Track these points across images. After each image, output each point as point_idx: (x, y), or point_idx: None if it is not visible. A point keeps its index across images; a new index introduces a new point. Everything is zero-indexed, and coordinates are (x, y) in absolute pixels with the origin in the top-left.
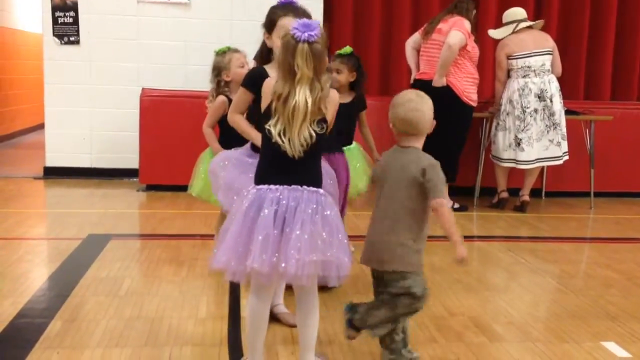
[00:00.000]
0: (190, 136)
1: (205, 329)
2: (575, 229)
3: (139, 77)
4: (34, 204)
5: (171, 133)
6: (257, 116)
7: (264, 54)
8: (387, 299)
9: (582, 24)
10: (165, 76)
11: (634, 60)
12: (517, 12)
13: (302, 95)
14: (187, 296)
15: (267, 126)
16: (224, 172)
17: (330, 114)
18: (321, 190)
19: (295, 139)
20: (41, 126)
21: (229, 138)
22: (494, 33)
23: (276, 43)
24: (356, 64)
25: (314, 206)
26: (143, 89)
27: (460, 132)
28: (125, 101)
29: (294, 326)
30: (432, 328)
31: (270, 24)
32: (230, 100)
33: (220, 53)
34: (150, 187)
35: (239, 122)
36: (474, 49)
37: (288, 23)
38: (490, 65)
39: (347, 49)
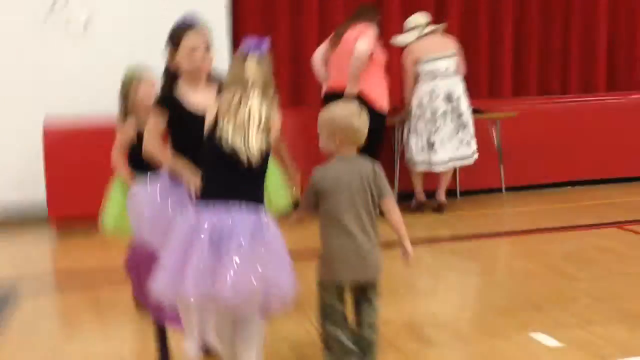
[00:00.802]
0: (100, 168)
1: None
2: (491, 225)
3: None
4: None
5: (80, 166)
6: (174, 136)
7: (171, 75)
8: (374, 303)
9: (481, 22)
10: (67, 101)
11: (531, 56)
12: (418, 19)
13: (255, 101)
14: (110, 342)
15: (218, 131)
16: (145, 205)
17: (274, 131)
18: (262, 208)
19: (252, 144)
20: None
21: (139, 166)
22: (398, 40)
23: (182, 57)
24: None
25: (252, 227)
26: (45, 119)
27: (375, 139)
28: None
29: None
30: None
31: (174, 41)
32: (139, 125)
33: (128, 77)
34: (61, 221)
35: (154, 150)
36: (380, 55)
37: (194, 38)
38: (396, 72)
39: None
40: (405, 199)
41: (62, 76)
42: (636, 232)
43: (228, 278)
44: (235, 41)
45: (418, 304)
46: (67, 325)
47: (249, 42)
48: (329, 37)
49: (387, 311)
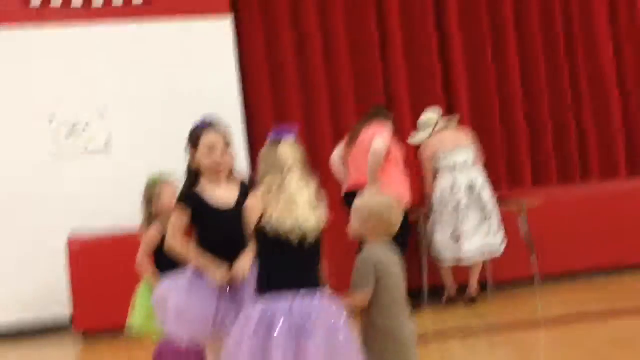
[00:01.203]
0: (124, 277)
1: None
2: (526, 314)
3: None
4: None
5: (105, 277)
6: (199, 232)
7: (193, 175)
8: None
9: (493, 112)
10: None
11: (547, 141)
12: (430, 117)
13: (295, 181)
14: None
15: (265, 221)
16: (173, 297)
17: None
18: (329, 295)
19: (304, 223)
20: None
21: (165, 268)
22: (413, 139)
23: (203, 158)
24: None
25: (329, 313)
26: (69, 235)
27: (401, 235)
28: (50, 254)
29: None
30: None
31: (194, 141)
32: (163, 229)
33: (151, 184)
34: (87, 335)
35: (177, 248)
36: (397, 152)
37: (212, 137)
38: (413, 168)
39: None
40: (434, 294)
41: (84, 191)
42: None
43: None
44: (250, 141)
45: None
46: None
47: (277, 130)
48: (345, 138)
49: None
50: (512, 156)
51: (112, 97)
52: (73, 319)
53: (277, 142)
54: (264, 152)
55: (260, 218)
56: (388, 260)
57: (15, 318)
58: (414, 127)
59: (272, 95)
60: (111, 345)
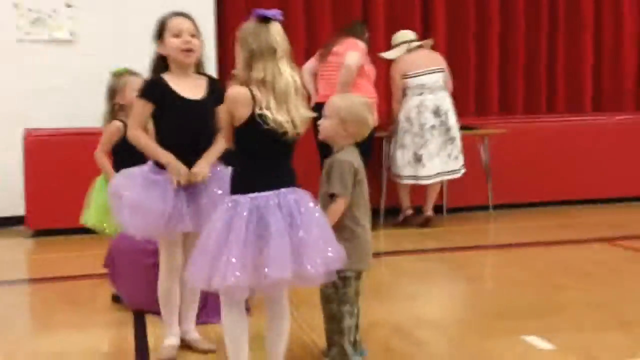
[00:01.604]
0: (80, 174)
1: None
2: (479, 239)
3: (22, 119)
4: None
5: (59, 173)
6: (161, 125)
7: (159, 65)
8: None
9: (467, 40)
10: (49, 117)
11: (518, 74)
12: (406, 34)
13: (288, 72)
14: (87, 333)
15: (258, 112)
16: (128, 191)
17: None
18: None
19: (295, 117)
20: None
21: (125, 166)
22: (386, 54)
23: (169, 43)
24: None
25: (312, 205)
26: (26, 129)
27: (363, 151)
28: (6, 145)
29: (208, 352)
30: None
31: (160, 29)
32: (126, 126)
33: (117, 75)
34: (39, 233)
35: (140, 137)
36: (370, 69)
37: (179, 22)
38: (382, 86)
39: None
40: (392, 213)
41: (47, 82)
42: (626, 248)
43: (314, 255)
44: (221, 44)
45: (406, 308)
46: (42, 321)
47: (263, 11)
48: (318, 51)
49: (374, 314)
50: (482, 86)
51: None
52: (26, 216)
53: (265, 20)
54: (251, 29)
55: (252, 111)
56: (360, 165)
57: None
58: (388, 47)
59: (246, 3)
60: (63, 244)
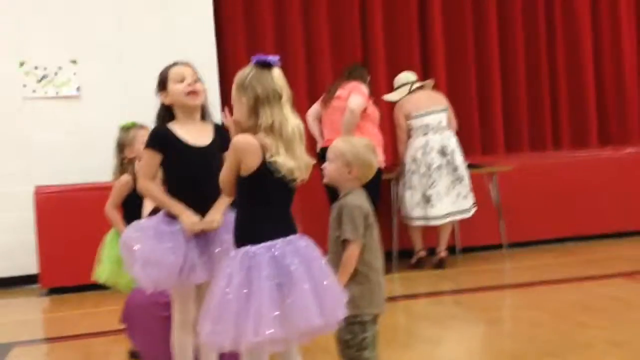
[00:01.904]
0: (92, 230)
1: None
2: (495, 279)
3: (30, 176)
4: None
5: (71, 229)
6: (170, 175)
7: (164, 116)
8: None
9: (468, 79)
10: (59, 173)
11: (521, 112)
12: (407, 76)
13: (292, 117)
14: None
15: (269, 159)
16: (139, 244)
17: None
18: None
19: (302, 163)
20: None
21: (135, 219)
22: (389, 97)
23: (173, 90)
24: None
25: (315, 254)
26: (36, 187)
27: (370, 196)
28: (18, 203)
29: None
30: None
31: (162, 80)
32: (135, 179)
33: (125, 128)
34: (53, 291)
35: (150, 188)
36: (374, 112)
37: (181, 69)
38: (387, 127)
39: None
40: (404, 255)
41: (55, 138)
42: None
43: (338, 301)
44: (224, 95)
45: (424, 352)
46: None
47: (264, 56)
48: (322, 96)
49: (393, 359)
50: (486, 124)
51: (83, 43)
52: (40, 275)
53: (267, 66)
54: (254, 74)
55: (262, 159)
56: (369, 208)
57: None
58: (390, 89)
59: (247, 50)
60: (78, 301)
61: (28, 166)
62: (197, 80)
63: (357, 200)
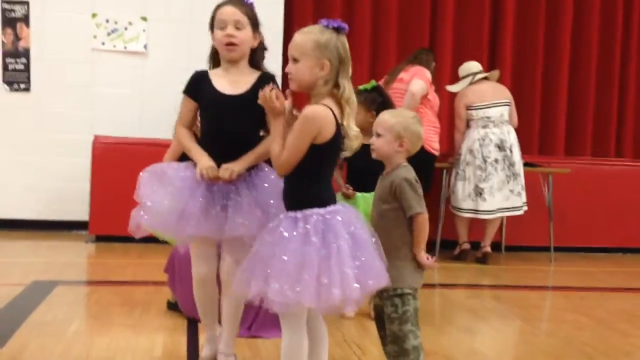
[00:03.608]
0: None
1: None
2: (538, 279)
3: (91, 125)
4: None
5: (125, 181)
6: (201, 125)
7: (214, 58)
8: None
9: (534, 78)
10: (119, 125)
11: (587, 116)
12: (472, 66)
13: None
14: (140, 337)
15: (342, 129)
16: (144, 186)
17: None
18: None
19: (355, 134)
20: None
21: None
22: (452, 87)
23: (215, 36)
24: (375, 99)
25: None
26: (96, 136)
27: (423, 180)
28: (77, 151)
29: None
30: None
31: (211, 20)
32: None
33: None
34: (100, 239)
35: (181, 135)
36: (434, 98)
37: (224, 11)
38: (445, 117)
39: (369, 84)
40: (448, 246)
41: (113, 100)
42: None
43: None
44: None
45: (462, 340)
46: (98, 321)
47: (335, 21)
48: (384, 78)
49: (426, 342)
50: (548, 124)
51: (155, 1)
52: (89, 222)
53: (340, 31)
54: (335, 37)
55: (336, 128)
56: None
57: (35, 212)
58: (454, 78)
59: (314, 19)
60: (123, 251)
61: (90, 115)
62: (240, 27)
63: (411, 173)
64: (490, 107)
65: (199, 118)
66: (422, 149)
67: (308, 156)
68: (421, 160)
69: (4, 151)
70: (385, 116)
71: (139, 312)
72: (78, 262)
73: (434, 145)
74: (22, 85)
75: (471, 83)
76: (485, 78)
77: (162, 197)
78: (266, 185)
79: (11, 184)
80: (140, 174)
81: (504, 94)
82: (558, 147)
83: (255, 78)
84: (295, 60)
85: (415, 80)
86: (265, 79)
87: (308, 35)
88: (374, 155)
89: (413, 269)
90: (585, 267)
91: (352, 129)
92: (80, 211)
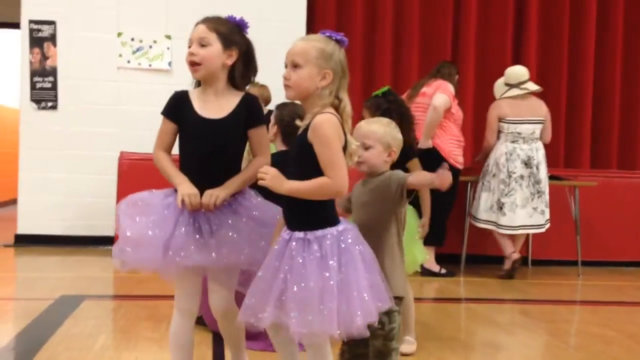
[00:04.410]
0: None
1: None
2: (565, 293)
3: (117, 143)
4: (2, 268)
5: None
6: (179, 149)
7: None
8: None
9: (559, 90)
10: (144, 142)
11: (612, 128)
12: (519, 74)
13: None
14: (166, 351)
15: (347, 140)
16: (125, 217)
17: None
18: None
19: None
20: (14, 201)
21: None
22: (498, 89)
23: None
24: (380, 105)
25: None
26: (121, 152)
27: (447, 194)
28: (103, 167)
29: None
30: None
31: None
32: None
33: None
34: None
35: (159, 158)
36: (458, 112)
37: (194, 31)
38: (469, 130)
39: (381, 89)
40: (471, 260)
41: (144, 107)
42: None
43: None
44: None
45: (489, 355)
46: (124, 335)
47: (335, 33)
48: (407, 92)
49: (454, 357)
50: (573, 137)
51: (179, 19)
52: (115, 237)
53: (342, 44)
54: (338, 48)
55: (345, 139)
56: None
57: (63, 228)
58: (478, 91)
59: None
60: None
61: (116, 132)
62: (205, 44)
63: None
64: (523, 123)
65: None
66: (448, 163)
67: (309, 170)
68: None
69: (32, 168)
70: (373, 127)
71: (165, 326)
72: (105, 277)
73: (458, 159)
74: (50, 104)
75: (511, 96)
76: (529, 94)
77: (144, 227)
78: (255, 213)
79: (39, 200)
80: (117, 204)
81: (541, 111)
82: (584, 160)
83: (238, 99)
84: (296, 67)
85: (438, 95)
86: (249, 100)
87: (313, 43)
88: (362, 169)
89: (401, 272)
90: (613, 282)
91: (353, 142)
92: (107, 227)
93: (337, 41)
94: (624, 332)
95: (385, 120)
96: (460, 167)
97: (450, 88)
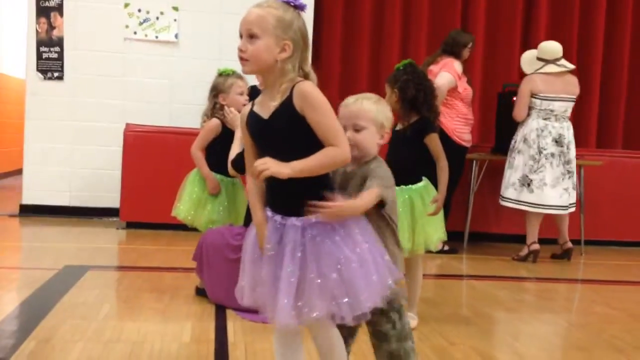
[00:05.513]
0: (174, 172)
1: (190, 352)
2: (568, 272)
3: (123, 114)
4: (7, 238)
5: (155, 169)
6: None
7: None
8: None
9: None
10: (150, 114)
11: (619, 109)
12: (555, 50)
13: None
14: (170, 321)
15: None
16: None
17: None
18: None
19: None
20: (19, 171)
21: (218, 161)
22: (526, 64)
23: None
24: (398, 78)
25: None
26: (127, 124)
27: (452, 172)
28: (108, 138)
29: None
30: (433, 357)
31: None
32: (224, 124)
33: (224, 74)
34: (130, 225)
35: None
36: (465, 90)
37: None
38: (477, 107)
39: (402, 62)
40: (476, 238)
41: (145, 89)
42: None
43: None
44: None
45: (491, 331)
46: (127, 305)
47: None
48: None
49: (457, 334)
50: (581, 117)
51: None
52: (120, 209)
53: (299, 9)
54: (297, 15)
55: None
56: None
57: (68, 199)
58: (485, 70)
59: (342, 23)
60: (153, 237)
61: (122, 104)
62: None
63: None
64: (557, 100)
65: (226, 108)
66: (452, 140)
67: (313, 142)
68: (450, 152)
69: (37, 138)
70: (364, 104)
71: (168, 298)
72: (109, 248)
73: (464, 137)
74: (56, 74)
75: (545, 72)
76: (567, 71)
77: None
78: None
79: (44, 171)
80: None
81: (574, 89)
82: (590, 140)
83: (285, 94)
84: (252, 37)
85: (442, 73)
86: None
87: (269, 10)
88: (353, 153)
89: (399, 253)
90: (616, 261)
91: None
92: (111, 198)
93: (296, 6)
94: (626, 310)
95: (374, 96)
96: (467, 144)
97: (455, 66)
